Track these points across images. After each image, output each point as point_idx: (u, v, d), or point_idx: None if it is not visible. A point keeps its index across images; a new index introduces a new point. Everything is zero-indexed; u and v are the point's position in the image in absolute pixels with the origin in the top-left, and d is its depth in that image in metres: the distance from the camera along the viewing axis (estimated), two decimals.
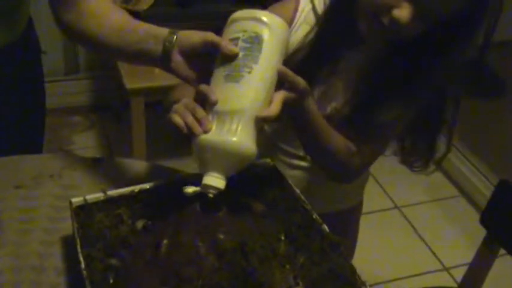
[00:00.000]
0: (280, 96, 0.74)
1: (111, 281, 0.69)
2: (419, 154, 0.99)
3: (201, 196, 0.73)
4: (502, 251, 1.13)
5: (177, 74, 0.81)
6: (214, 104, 0.72)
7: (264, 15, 0.76)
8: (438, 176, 2.36)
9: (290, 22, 0.94)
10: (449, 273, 1.96)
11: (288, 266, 0.71)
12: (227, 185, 0.73)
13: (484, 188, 2.17)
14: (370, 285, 0.70)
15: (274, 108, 0.73)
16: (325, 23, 0.92)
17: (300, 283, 0.69)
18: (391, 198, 2.26)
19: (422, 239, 2.09)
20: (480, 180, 2.23)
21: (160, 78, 1.69)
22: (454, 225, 2.15)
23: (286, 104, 0.74)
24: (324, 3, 0.94)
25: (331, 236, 0.75)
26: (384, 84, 0.91)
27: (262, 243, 0.71)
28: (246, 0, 1.85)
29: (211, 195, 0.72)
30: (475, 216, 1.73)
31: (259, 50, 0.73)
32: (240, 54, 0.74)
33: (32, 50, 1.19)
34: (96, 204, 0.79)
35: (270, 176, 0.85)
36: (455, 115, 0.95)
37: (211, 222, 0.73)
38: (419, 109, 0.94)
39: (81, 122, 2.52)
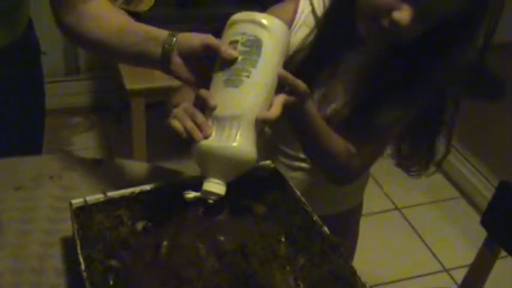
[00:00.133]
0: (280, 99, 0.74)
1: (111, 282, 0.69)
2: (417, 156, 0.98)
3: (201, 201, 0.73)
4: (503, 253, 1.13)
5: (176, 76, 0.81)
6: (214, 109, 0.72)
7: (264, 18, 0.75)
8: (438, 178, 2.36)
9: (289, 24, 0.94)
10: (450, 275, 1.95)
11: (288, 268, 0.71)
12: (228, 187, 0.73)
13: (485, 189, 2.17)
14: (371, 287, 0.70)
15: (274, 111, 0.73)
16: (325, 25, 0.92)
17: (301, 285, 0.69)
18: (391, 200, 2.26)
19: (423, 241, 2.09)
20: (480, 182, 2.23)
21: (160, 79, 1.69)
22: (455, 226, 2.15)
23: (286, 107, 0.74)
24: (324, 5, 0.94)
25: (331, 237, 0.75)
26: (384, 86, 0.91)
27: (263, 245, 0.71)
28: (246, 2, 1.86)
29: (211, 201, 0.72)
30: (476, 218, 1.73)
31: (259, 54, 0.73)
32: (239, 58, 0.73)
33: (31, 50, 1.19)
34: (96, 205, 0.79)
35: (271, 178, 0.85)
36: (455, 116, 0.95)
37: (212, 223, 0.73)
38: (419, 111, 0.94)
39: (82, 123, 2.52)
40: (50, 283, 0.79)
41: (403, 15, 0.80)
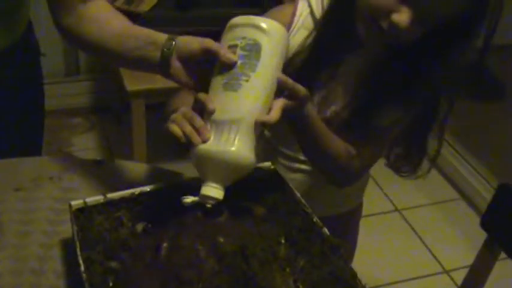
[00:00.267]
0: (280, 103, 0.74)
1: (111, 284, 0.69)
2: (408, 157, 0.98)
3: (199, 205, 0.73)
4: (503, 255, 1.13)
5: (176, 80, 0.81)
6: (212, 113, 0.72)
7: (263, 22, 0.75)
8: (438, 179, 2.36)
9: (288, 26, 0.94)
10: (450, 276, 1.95)
11: (288, 269, 0.71)
12: (228, 189, 0.73)
13: (484, 191, 2.17)
14: None
15: (274, 115, 0.72)
16: (324, 27, 0.92)
17: (300, 286, 0.69)
18: (391, 201, 2.25)
19: (423, 242, 2.09)
20: (480, 183, 2.23)
21: (161, 81, 1.66)
22: (455, 228, 2.15)
23: (285, 111, 0.74)
24: (322, 7, 0.93)
25: (331, 239, 0.75)
26: (383, 88, 0.91)
27: (263, 247, 0.71)
28: (246, 4, 1.86)
29: (209, 206, 0.72)
30: (475, 219, 1.73)
31: (258, 58, 0.73)
32: (239, 62, 0.73)
33: (31, 52, 1.19)
34: (96, 206, 0.79)
35: (271, 180, 0.85)
36: (447, 116, 0.95)
37: (212, 225, 0.73)
38: (418, 111, 0.94)
39: (82, 124, 2.52)
40: (49, 284, 0.79)
41: (402, 17, 0.80)
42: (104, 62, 2.22)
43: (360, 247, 1.23)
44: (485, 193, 2.14)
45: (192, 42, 0.78)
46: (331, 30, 0.91)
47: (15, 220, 0.89)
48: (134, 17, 1.85)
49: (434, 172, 2.37)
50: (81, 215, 0.78)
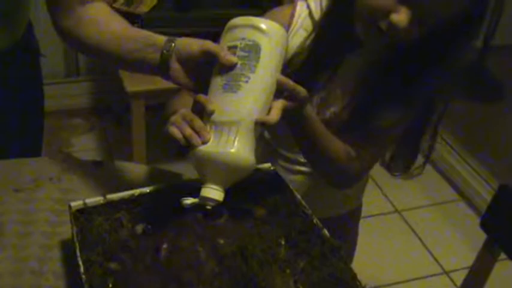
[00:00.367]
0: (280, 104, 0.74)
1: (110, 285, 0.69)
2: (402, 157, 0.98)
3: (199, 207, 0.73)
4: (502, 255, 1.13)
5: (175, 82, 0.81)
6: (211, 114, 0.72)
7: (263, 23, 0.75)
8: (438, 180, 2.36)
9: (287, 27, 0.93)
10: (450, 277, 1.95)
11: (288, 271, 0.71)
12: (228, 190, 0.73)
13: (484, 192, 2.17)
14: None
15: (274, 116, 0.72)
16: (323, 28, 0.92)
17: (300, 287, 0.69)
18: (391, 202, 2.25)
19: (423, 243, 2.09)
20: (480, 184, 2.23)
21: (160, 82, 1.66)
22: (454, 229, 2.15)
23: (285, 112, 0.74)
24: (321, 8, 0.93)
25: (331, 240, 0.75)
26: (383, 89, 0.91)
27: (263, 248, 0.71)
28: (245, 5, 1.86)
29: (209, 207, 0.72)
30: (475, 220, 1.73)
31: (257, 59, 0.73)
32: (238, 64, 0.73)
33: (31, 52, 1.19)
34: (96, 207, 0.79)
35: (271, 181, 0.85)
36: (442, 116, 0.94)
37: (212, 227, 0.73)
38: (418, 112, 0.94)
39: (81, 125, 2.51)
40: (49, 285, 0.79)
41: (401, 17, 0.80)
42: (103, 63, 2.22)
43: (360, 248, 1.23)
44: (485, 194, 2.14)
45: (191, 44, 0.78)
46: (330, 31, 0.91)
47: (15, 221, 0.89)
48: (134, 18, 1.86)
49: (434, 173, 2.37)
50: (81, 216, 0.78)
